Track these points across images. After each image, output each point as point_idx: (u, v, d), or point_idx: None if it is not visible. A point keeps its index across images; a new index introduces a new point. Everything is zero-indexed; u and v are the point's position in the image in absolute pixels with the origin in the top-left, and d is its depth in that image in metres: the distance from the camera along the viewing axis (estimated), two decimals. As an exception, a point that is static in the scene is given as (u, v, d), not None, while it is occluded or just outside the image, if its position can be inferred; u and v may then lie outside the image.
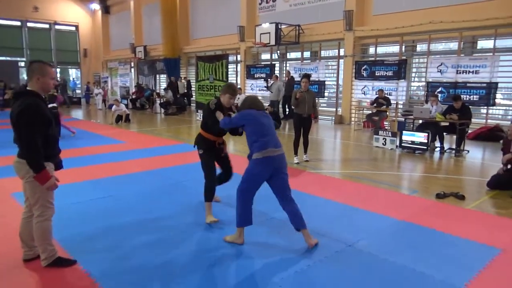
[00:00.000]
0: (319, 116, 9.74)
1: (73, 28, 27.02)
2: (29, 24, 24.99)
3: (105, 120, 14.32)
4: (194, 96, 18.83)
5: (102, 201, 4.73)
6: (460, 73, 10.25)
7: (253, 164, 3.44)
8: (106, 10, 26.36)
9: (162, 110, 16.98)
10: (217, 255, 3.33)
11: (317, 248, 3.46)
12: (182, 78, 18.96)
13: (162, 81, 22.09)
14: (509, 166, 5.37)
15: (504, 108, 10.74)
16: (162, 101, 17.20)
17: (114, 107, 13.15)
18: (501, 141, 9.25)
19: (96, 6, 26.72)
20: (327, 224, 4.03)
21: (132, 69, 23.80)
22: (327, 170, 6.68)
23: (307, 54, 14.80)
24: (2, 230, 3.82)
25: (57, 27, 26.06)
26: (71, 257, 3.20)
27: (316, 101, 7.13)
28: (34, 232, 2.98)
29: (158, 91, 20.40)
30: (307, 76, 6.94)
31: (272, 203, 3.83)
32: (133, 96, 19.49)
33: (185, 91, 18.03)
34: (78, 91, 26.28)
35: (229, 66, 17.28)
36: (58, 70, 26.47)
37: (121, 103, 14.02)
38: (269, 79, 13.83)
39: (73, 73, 28.45)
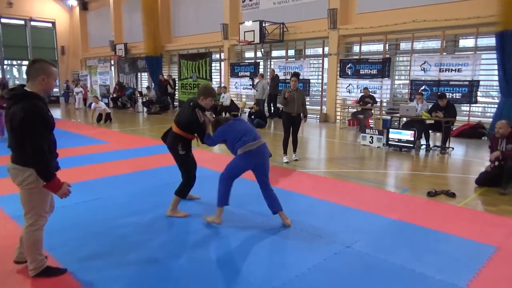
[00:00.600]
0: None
1: (50, 25, 26.22)
2: (3, 20, 24.12)
3: (86, 119, 13.94)
4: (177, 95, 18.64)
5: (91, 204, 4.56)
6: (443, 71, 10.41)
7: (237, 158, 3.87)
8: (84, 6, 25.69)
9: (145, 109, 16.68)
10: (217, 258, 3.24)
11: (315, 251, 3.41)
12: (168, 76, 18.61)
13: (144, 79, 21.71)
14: (496, 163, 5.45)
15: (484, 105, 10.97)
16: (144, 100, 16.88)
17: (93, 105, 12.82)
18: (486, 138, 9.50)
19: (73, 2, 26.02)
20: (322, 225, 3.98)
21: (112, 67, 23.32)
22: (316, 169, 6.65)
23: (291, 52, 14.78)
24: (-16, 238, 3.61)
25: (32, 23, 25.23)
26: (60, 265, 3.05)
27: (306, 100, 7.14)
28: (24, 240, 2.81)
29: (140, 89, 20.03)
30: (297, 75, 6.86)
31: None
32: (114, 95, 19.07)
33: (172, 90, 17.66)
34: (55, 89, 25.51)
35: (213, 64, 17.14)
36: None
37: (100, 100, 13.65)
38: (254, 78, 13.72)
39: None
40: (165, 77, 17.95)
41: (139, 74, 21.38)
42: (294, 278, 2.97)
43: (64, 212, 4.28)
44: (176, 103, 18.72)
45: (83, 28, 26.21)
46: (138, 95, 18.04)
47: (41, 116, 2.60)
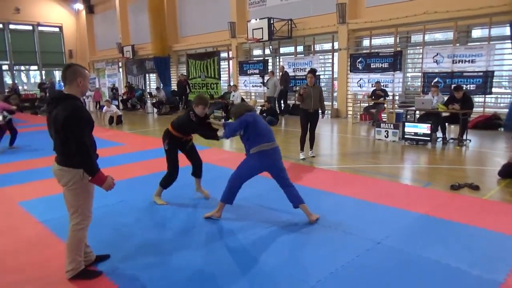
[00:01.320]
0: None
1: (57, 29, 26.41)
2: (11, 26, 24.33)
3: (98, 122, 14.01)
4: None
5: (115, 207, 4.59)
6: (456, 62, 10.30)
7: (249, 158, 3.92)
8: (90, 9, 25.80)
9: (155, 110, 16.74)
10: (246, 257, 3.24)
11: (346, 248, 3.40)
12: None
13: (152, 80, 21.78)
14: (519, 155, 5.39)
15: (497, 96, 10.84)
16: (154, 101, 16.93)
17: (105, 108, 12.93)
18: (502, 129, 9.40)
19: (79, 6, 26.14)
20: (349, 222, 3.97)
21: (120, 69, 23.42)
22: (333, 165, 6.63)
23: (300, 48, 14.71)
24: (20, 242, 3.65)
25: (40, 28, 25.43)
26: (95, 268, 3.09)
27: (323, 96, 7.07)
28: (68, 240, 2.89)
29: (149, 90, 20.10)
30: (313, 71, 6.90)
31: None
32: (124, 97, 19.15)
33: (189, 90, 17.32)
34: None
35: (221, 63, 17.14)
36: (43, 72, 25.92)
37: (111, 104, 13.73)
38: (265, 75, 13.69)
39: (57, 75, 27.86)
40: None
41: (147, 75, 21.46)
42: (329, 275, 2.96)
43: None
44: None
45: (90, 31, 26.35)
46: (148, 96, 18.09)
47: (84, 114, 2.73)
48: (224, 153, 7.84)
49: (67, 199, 2.86)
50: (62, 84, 2.85)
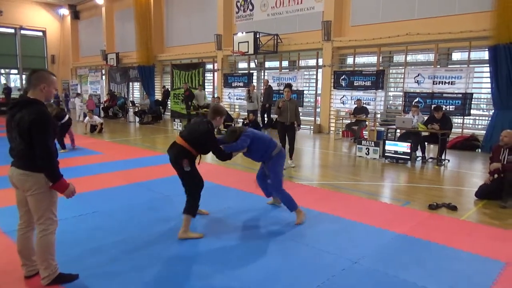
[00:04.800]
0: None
1: (40, 33, 25.99)
2: (-8, 29, 23.86)
3: (78, 129, 13.69)
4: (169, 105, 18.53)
5: (88, 217, 4.42)
6: (436, 83, 10.52)
7: (277, 157, 4.38)
8: (75, 15, 25.55)
9: (137, 119, 16.51)
10: (220, 276, 3.13)
11: (322, 267, 3.32)
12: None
13: (136, 89, 21.55)
14: (496, 176, 5.46)
15: (475, 118, 11.09)
16: (136, 110, 16.71)
17: (87, 119, 12.68)
18: (479, 150, 9.57)
19: (65, 11, 25.85)
20: (326, 240, 3.91)
21: (103, 77, 23.12)
22: (314, 181, 6.59)
23: (285, 63, 14.82)
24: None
25: (22, 32, 24.98)
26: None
27: (299, 109, 7.45)
28: (37, 246, 2.80)
29: (131, 99, 19.86)
30: (289, 85, 7.39)
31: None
32: (105, 104, 18.86)
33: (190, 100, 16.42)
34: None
35: (206, 75, 17.11)
36: (23, 76, 25.34)
37: (94, 115, 13.46)
38: (249, 90, 13.68)
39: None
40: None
41: (130, 83, 21.23)
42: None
43: (62, 225, 4.13)
44: (168, 113, 18.61)
45: (74, 37, 26.04)
46: (130, 104, 17.87)
47: (49, 119, 2.71)
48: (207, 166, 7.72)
49: (31, 205, 2.77)
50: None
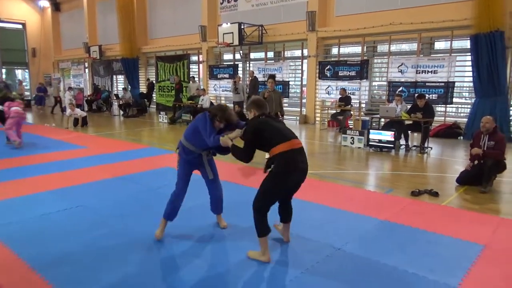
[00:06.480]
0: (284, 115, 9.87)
1: (20, 26, 25.31)
2: (-31, 21, 23.15)
3: (61, 124, 13.49)
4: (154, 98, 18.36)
5: (72, 212, 4.38)
6: (419, 73, 10.64)
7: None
8: (56, 7, 24.90)
9: (121, 112, 16.32)
10: (206, 268, 3.16)
11: (307, 254, 3.37)
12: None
13: (120, 82, 21.26)
14: (476, 162, 5.58)
15: (458, 106, 11.28)
16: (121, 103, 16.50)
17: (69, 111, 12.46)
18: (461, 138, 9.75)
19: (45, 3, 25.20)
20: (311, 227, 3.95)
21: (86, 70, 22.73)
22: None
23: (270, 54, 14.79)
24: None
25: (1, 24, 24.28)
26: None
27: (282, 100, 7.55)
28: None
29: (116, 92, 19.59)
30: (273, 76, 7.54)
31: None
32: (89, 98, 18.57)
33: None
34: (27, 93, 24.58)
35: (191, 67, 16.98)
36: (3, 70, 24.74)
37: (76, 107, 13.22)
38: (235, 81, 13.62)
39: (19, 73, 26.74)
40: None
41: (114, 76, 20.93)
42: (288, 283, 2.92)
43: (44, 220, 4.11)
44: (153, 106, 18.44)
45: (55, 30, 25.44)
46: (114, 97, 17.64)
47: None
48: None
49: None
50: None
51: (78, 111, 12.59)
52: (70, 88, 18.35)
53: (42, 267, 3.09)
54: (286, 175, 3.11)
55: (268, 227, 3.20)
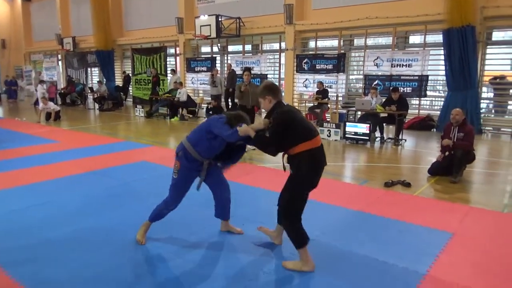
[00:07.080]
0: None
1: (-12, 17, 24.38)
2: None
3: (33, 118, 13.08)
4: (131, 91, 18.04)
5: (40, 208, 4.25)
6: (394, 66, 10.82)
7: None
8: (26, -3, 24.10)
9: (96, 106, 15.96)
10: (184, 263, 3.14)
11: (281, 245, 3.39)
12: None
13: (95, 74, 20.77)
14: (446, 153, 5.73)
15: (432, 99, 11.54)
16: (96, 96, 16.13)
17: (41, 105, 12.09)
18: (435, 130, 9.99)
19: (14, -7, 24.34)
20: (287, 219, 3.97)
21: (60, 62, 22.10)
22: (275, 163, 6.65)
23: (248, 47, 14.73)
24: None
25: (-32, 14, 23.34)
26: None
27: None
28: None
29: (90, 85, 19.14)
30: (248, 69, 7.58)
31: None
32: (63, 91, 18.07)
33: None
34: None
35: (168, 59, 16.73)
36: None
37: (49, 101, 12.85)
38: (212, 74, 13.51)
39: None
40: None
41: (89, 69, 20.43)
42: (262, 274, 2.94)
43: (12, 216, 3.99)
44: (130, 99, 18.12)
45: (26, 21, 24.58)
46: (89, 91, 17.23)
47: None
48: (163, 151, 7.62)
49: None
50: None
51: (51, 105, 12.24)
52: (42, 82, 17.83)
53: (9, 264, 2.99)
54: (316, 175, 2.91)
55: (306, 234, 2.92)
